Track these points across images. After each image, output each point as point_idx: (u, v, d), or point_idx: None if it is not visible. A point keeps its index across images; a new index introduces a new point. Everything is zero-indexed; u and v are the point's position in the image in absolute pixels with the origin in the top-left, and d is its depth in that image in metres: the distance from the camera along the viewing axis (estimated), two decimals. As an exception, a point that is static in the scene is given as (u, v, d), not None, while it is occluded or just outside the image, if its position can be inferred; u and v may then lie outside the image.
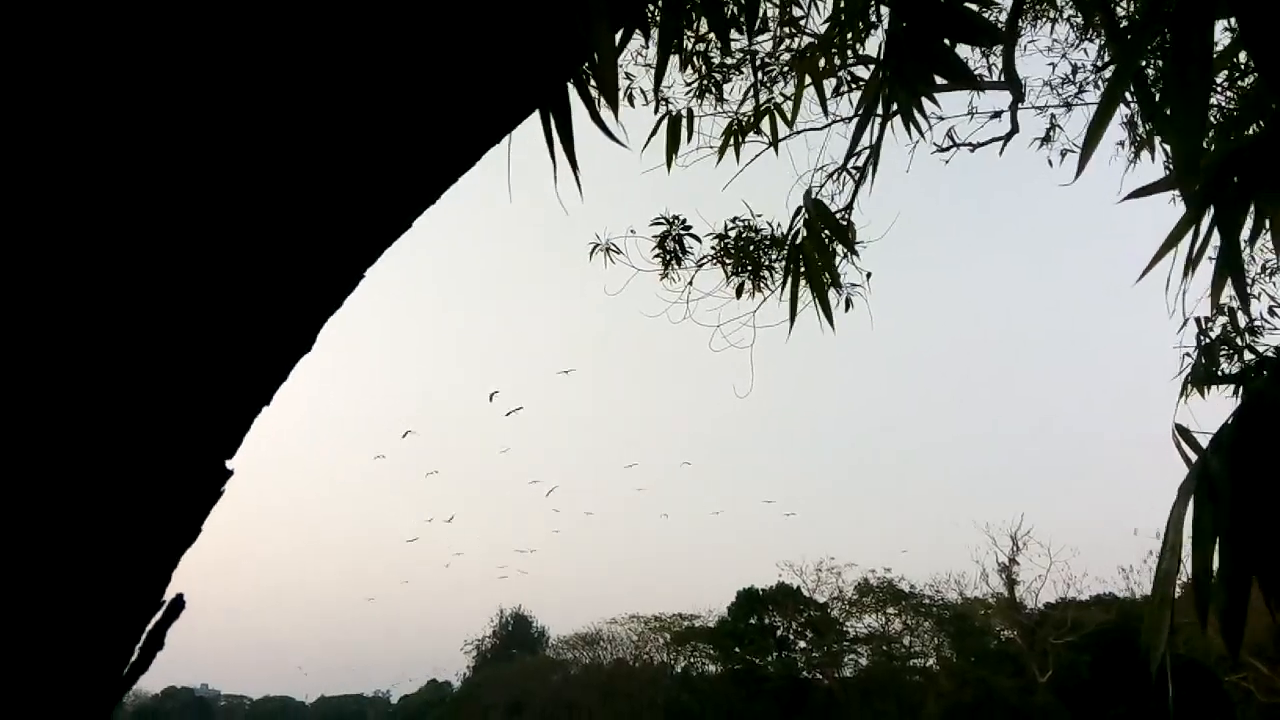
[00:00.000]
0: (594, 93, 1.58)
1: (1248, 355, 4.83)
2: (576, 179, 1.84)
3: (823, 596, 40.50)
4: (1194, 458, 3.44)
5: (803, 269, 2.05)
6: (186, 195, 0.98)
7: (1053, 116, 7.07)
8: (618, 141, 1.60)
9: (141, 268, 0.94)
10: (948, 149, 6.43)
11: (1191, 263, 1.27)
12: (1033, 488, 67.91)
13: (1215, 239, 1.18)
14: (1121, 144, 8.04)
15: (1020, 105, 5.74)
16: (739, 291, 6.67)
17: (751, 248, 6.55)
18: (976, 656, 33.57)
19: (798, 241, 2.01)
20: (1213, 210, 1.12)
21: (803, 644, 41.08)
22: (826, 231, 2.05)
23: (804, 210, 1.97)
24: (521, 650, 70.04)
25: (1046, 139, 6.92)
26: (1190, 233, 1.19)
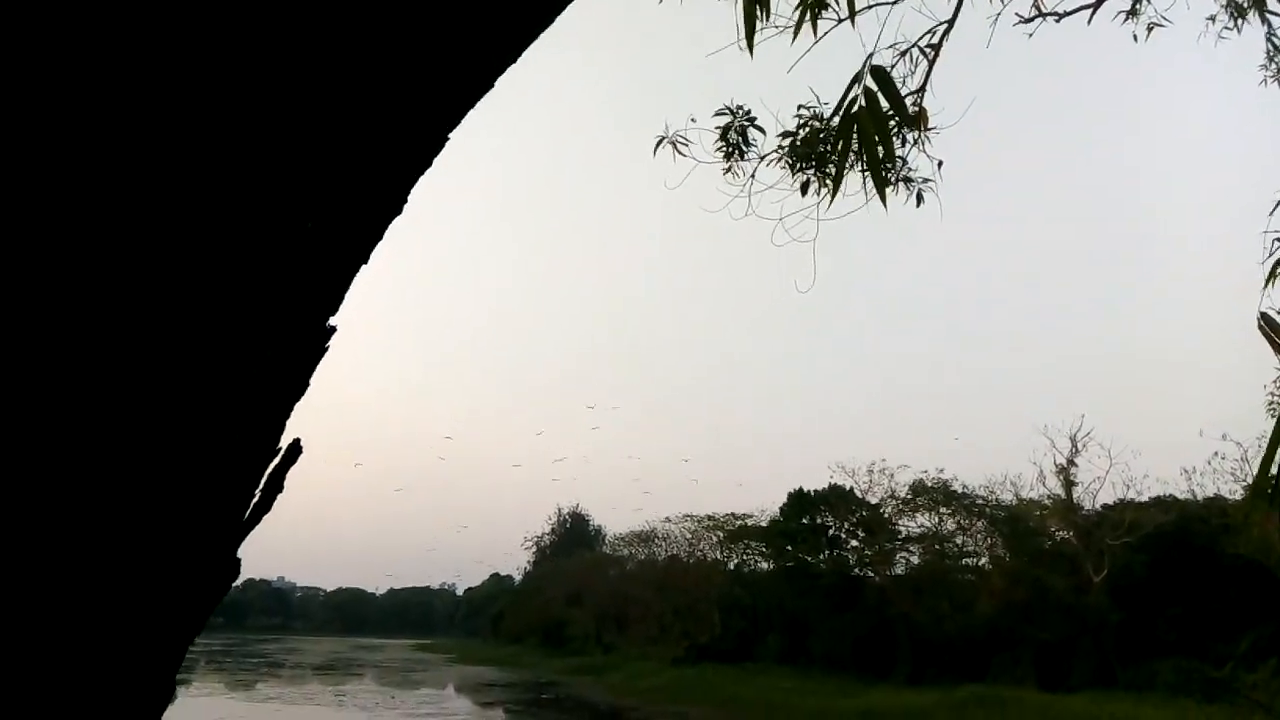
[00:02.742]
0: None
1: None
2: None
3: (875, 498, 40.79)
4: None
5: (855, 142, 1.90)
6: (277, 56, 0.96)
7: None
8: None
9: (244, 135, 0.94)
10: (1031, 20, 6.04)
11: None
12: (1098, 388, 66.73)
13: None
14: (1212, 19, 7.50)
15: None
16: (804, 188, 6.49)
17: (818, 140, 6.33)
18: (1030, 556, 33.68)
19: (854, 110, 1.85)
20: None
21: (854, 543, 41.66)
22: (888, 107, 1.87)
23: (863, 77, 1.81)
24: (579, 547, 72.62)
25: (1133, 12, 6.45)
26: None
